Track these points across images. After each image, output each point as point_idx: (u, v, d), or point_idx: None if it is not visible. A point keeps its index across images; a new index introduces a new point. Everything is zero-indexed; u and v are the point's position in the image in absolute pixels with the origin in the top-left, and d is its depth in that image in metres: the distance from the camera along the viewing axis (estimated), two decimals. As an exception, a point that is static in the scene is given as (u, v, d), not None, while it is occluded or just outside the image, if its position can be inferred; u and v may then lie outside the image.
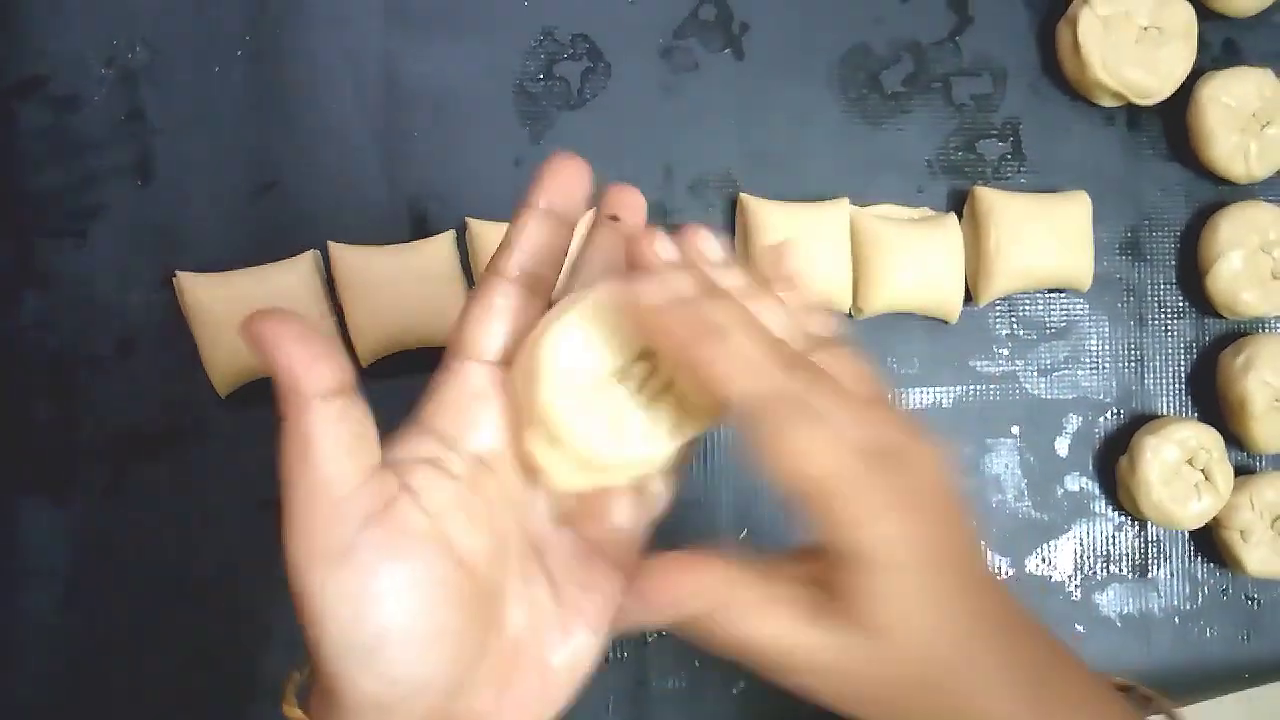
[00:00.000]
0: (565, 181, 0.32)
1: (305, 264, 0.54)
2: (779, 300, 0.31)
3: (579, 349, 0.29)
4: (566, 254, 0.32)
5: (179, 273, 0.53)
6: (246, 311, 0.52)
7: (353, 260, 0.54)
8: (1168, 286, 0.61)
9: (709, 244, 0.32)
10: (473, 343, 0.31)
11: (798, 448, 0.27)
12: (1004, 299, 0.59)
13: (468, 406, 0.31)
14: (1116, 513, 0.60)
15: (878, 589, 0.28)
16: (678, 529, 0.57)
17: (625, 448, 0.30)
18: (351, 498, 0.27)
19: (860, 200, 0.58)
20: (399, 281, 0.54)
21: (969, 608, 0.29)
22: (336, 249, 0.54)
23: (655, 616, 0.29)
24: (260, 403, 0.54)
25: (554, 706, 0.31)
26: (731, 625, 0.29)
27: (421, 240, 0.55)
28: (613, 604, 0.32)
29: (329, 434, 0.27)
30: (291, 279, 0.53)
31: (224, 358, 0.53)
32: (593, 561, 0.32)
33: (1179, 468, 0.58)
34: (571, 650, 0.31)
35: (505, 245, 0.31)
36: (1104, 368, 0.60)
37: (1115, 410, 0.60)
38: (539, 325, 0.30)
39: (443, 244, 0.54)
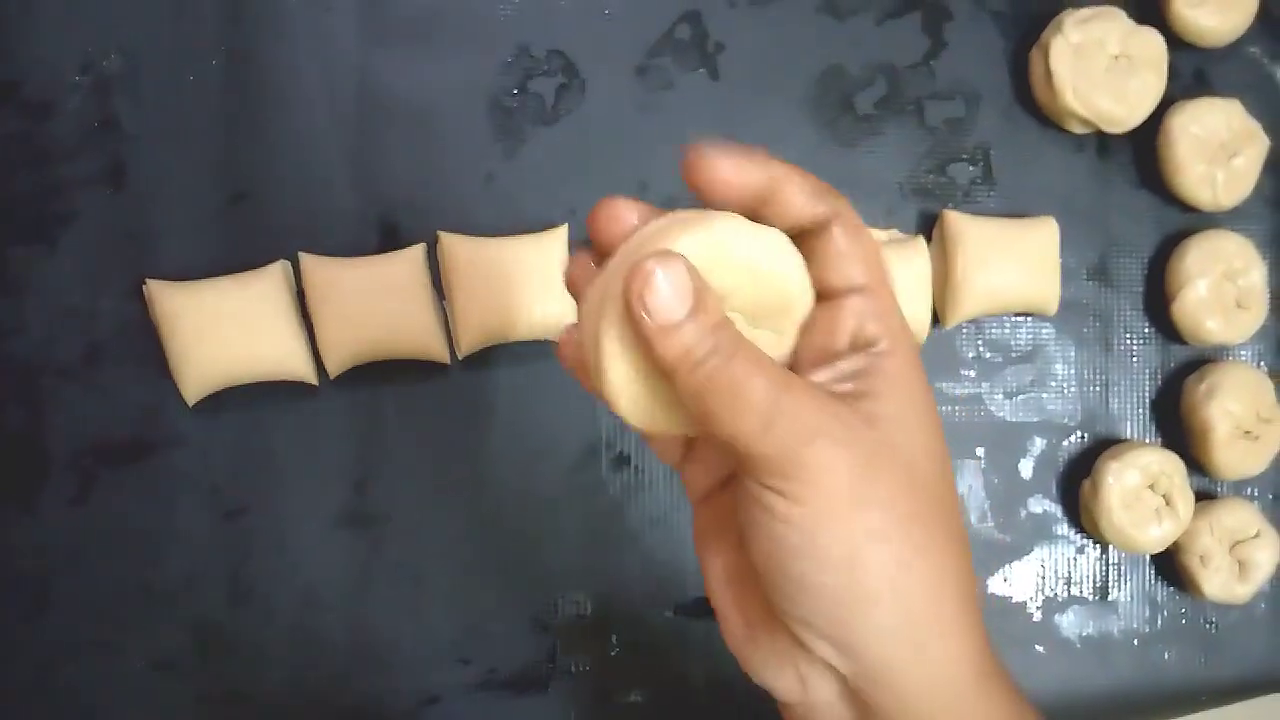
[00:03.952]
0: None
1: (276, 274, 0.54)
2: None
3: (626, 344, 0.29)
4: None
5: (149, 281, 0.53)
6: (216, 321, 0.53)
7: (323, 271, 0.54)
8: (1134, 312, 0.62)
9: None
10: None
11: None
12: (971, 322, 0.60)
13: None
14: (1079, 535, 0.61)
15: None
16: (648, 544, 0.58)
17: (656, 426, 0.30)
18: None
19: (831, 221, 0.58)
20: (369, 293, 0.54)
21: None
22: (307, 259, 0.54)
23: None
24: (228, 412, 0.55)
25: None
26: None
27: (392, 252, 0.55)
28: None
29: None
30: (262, 289, 0.53)
31: (193, 366, 0.53)
32: None
33: (1140, 492, 0.58)
34: None
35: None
36: (1069, 392, 0.61)
37: (1080, 434, 0.61)
38: (593, 295, 0.30)
39: (413, 256, 0.55)
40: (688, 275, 0.27)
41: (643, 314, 0.27)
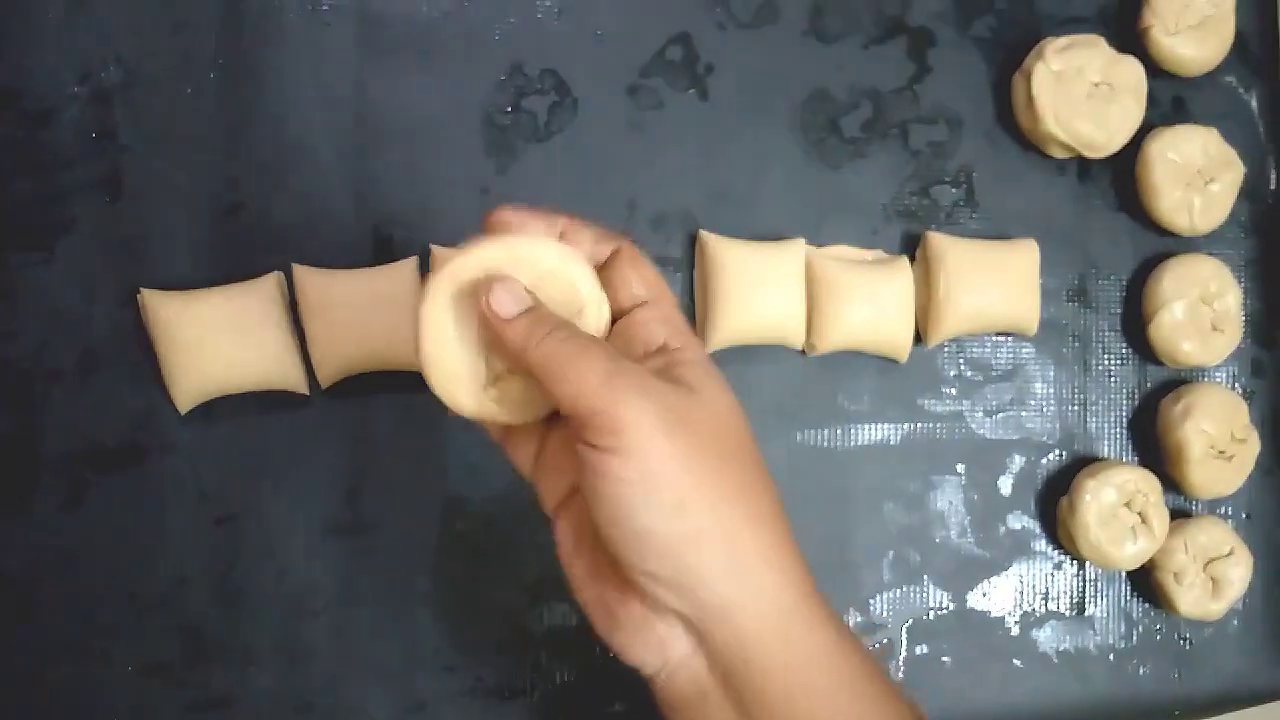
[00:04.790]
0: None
1: (269, 285, 0.54)
2: None
3: (449, 323, 0.37)
4: None
5: (143, 290, 0.54)
6: (210, 331, 0.53)
7: (316, 283, 0.54)
8: (1112, 334, 0.63)
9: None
10: None
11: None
12: (953, 341, 0.61)
13: None
14: (1056, 552, 0.62)
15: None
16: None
17: (468, 409, 0.38)
18: None
19: (816, 241, 0.59)
20: (361, 305, 0.54)
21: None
22: (300, 271, 0.55)
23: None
24: (219, 420, 0.55)
25: None
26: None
27: (385, 265, 0.56)
28: None
29: None
30: (255, 299, 0.54)
31: (185, 375, 0.53)
32: None
33: (1117, 510, 0.59)
34: None
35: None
36: (1048, 410, 0.62)
37: (1058, 452, 0.62)
38: (429, 285, 0.37)
39: (406, 269, 0.55)
40: (520, 287, 0.36)
41: (493, 314, 0.35)
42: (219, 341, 0.53)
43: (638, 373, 0.34)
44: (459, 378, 0.37)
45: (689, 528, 0.33)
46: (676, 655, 0.36)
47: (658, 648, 0.36)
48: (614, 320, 0.38)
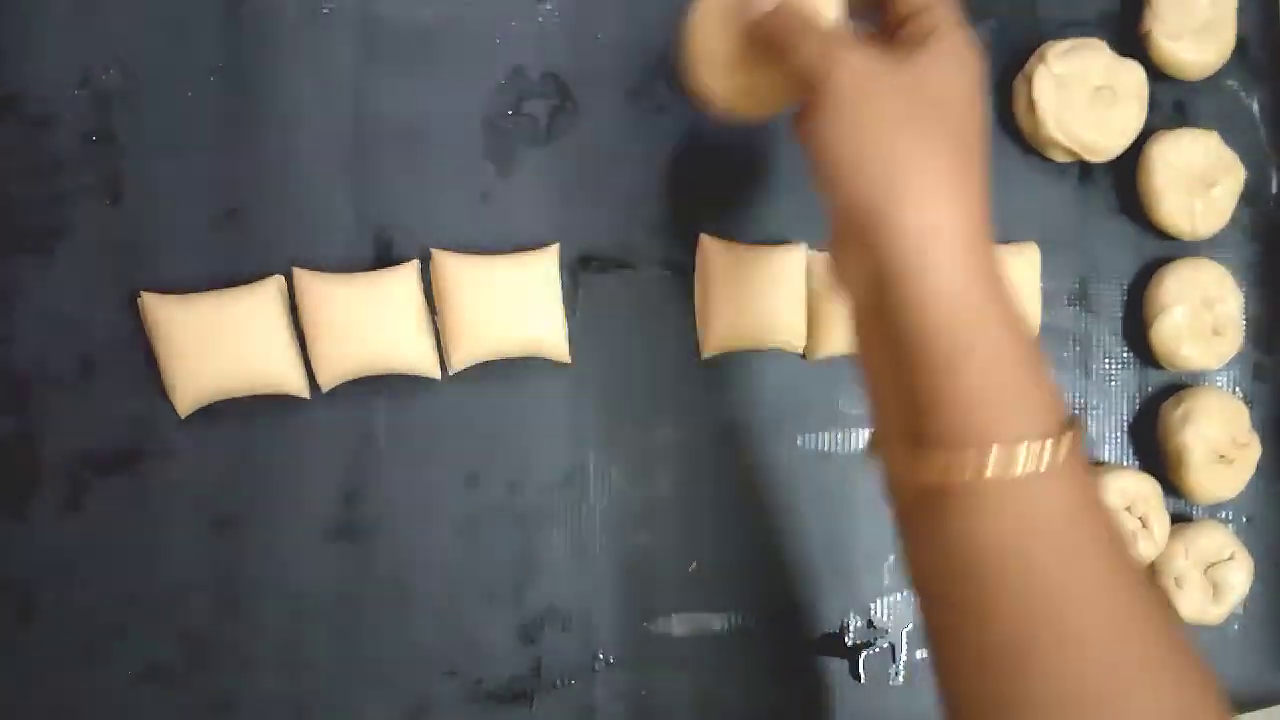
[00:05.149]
0: None
1: (269, 289, 0.54)
2: None
3: (715, 24, 0.45)
4: None
5: (144, 293, 0.54)
6: (210, 334, 0.53)
7: (317, 287, 0.54)
8: (1113, 338, 0.63)
9: None
10: None
11: None
12: (954, 345, 0.61)
13: None
14: (1057, 556, 0.62)
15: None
16: (633, 560, 0.58)
17: (720, 96, 0.46)
18: None
19: (817, 245, 0.59)
20: (362, 309, 0.54)
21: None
22: (301, 275, 0.55)
23: None
24: (219, 423, 0.55)
25: None
26: None
27: (385, 269, 0.55)
28: None
29: None
30: (255, 303, 0.54)
31: (185, 378, 0.53)
32: None
33: (1117, 514, 0.59)
34: None
35: None
36: (1049, 414, 0.62)
37: (1058, 456, 0.62)
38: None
39: (406, 274, 0.55)
40: None
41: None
42: (219, 345, 0.53)
43: (850, 44, 0.39)
44: (716, 69, 0.45)
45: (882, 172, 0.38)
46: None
47: None
48: None
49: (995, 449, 0.36)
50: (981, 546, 0.36)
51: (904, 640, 0.61)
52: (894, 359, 0.38)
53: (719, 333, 0.57)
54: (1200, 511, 0.63)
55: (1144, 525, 0.60)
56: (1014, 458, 0.36)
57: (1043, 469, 0.36)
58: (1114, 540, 0.37)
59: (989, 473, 0.36)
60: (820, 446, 0.60)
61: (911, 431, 0.38)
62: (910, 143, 0.38)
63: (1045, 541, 0.36)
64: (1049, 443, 0.36)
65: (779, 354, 0.59)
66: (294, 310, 0.55)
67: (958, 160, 0.39)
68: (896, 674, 0.61)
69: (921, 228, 0.37)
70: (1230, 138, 0.62)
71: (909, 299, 0.37)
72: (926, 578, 0.40)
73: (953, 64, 0.40)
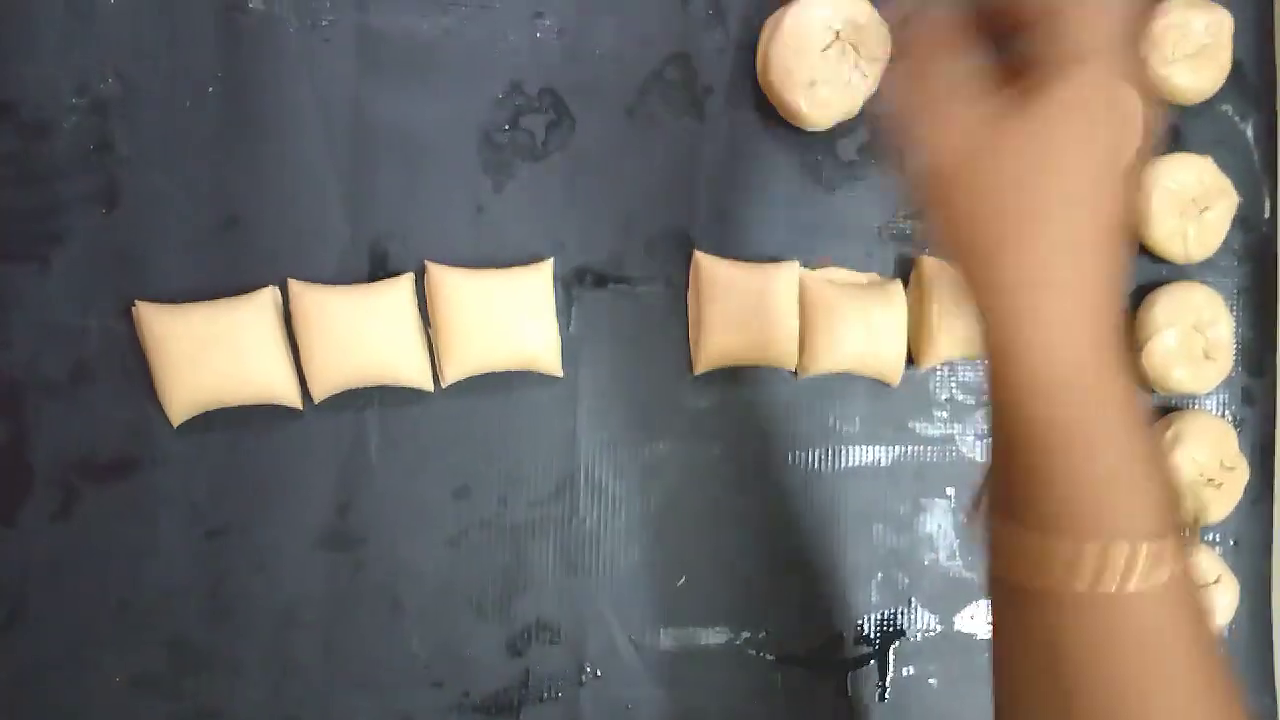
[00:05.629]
0: None
1: (264, 300, 0.55)
2: None
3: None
4: None
5: (138, 302, 0.54)
6: (204, 344, 0.54)
7: (312, 298, 0.55)
8: (1104, 359, 0.63)
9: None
10: None
11: None
12: (945, 364, 0.61)
13: None
14: (1044, 576, 0.62)
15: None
16: (622, 574, 0.58)
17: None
18: None
19: (810, 263, 0.59)
20: (357, 321, 0.55)
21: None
22: (296, 286, 0.55)
23: None
24: (212, 433, 0.55)
25: None
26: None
27: (381, 281, 0.56)
28: None
29: None
30: (250, 314, 0.54)
31: (179, 388, 0.54)
32: None
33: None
34: None
35: None
36: (1039, 435, 0.62)
37: (1048, 477, 0.62)
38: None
39: (401, 286, 0.56)
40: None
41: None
42: (213, 355, 0.53)
43: (963, 99, 0.36)
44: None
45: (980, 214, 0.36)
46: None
47: None
48: None
49: (1089, 549, 0.34)
50: (1071, 643, 0.36)
51: (890, 657, 0.61)
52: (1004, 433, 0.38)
53: (711, 349, 0.58)
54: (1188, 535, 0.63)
55: (1131, 547, 0.60)
56: (1112, 563, 0.34)
57: (1143, 582, 0.34)
58: (1205, 659, 0.36)
59: (1085, 584, 0.34)
60: (810, 463, 0.60)
61: (1010, 500, 0.38)
62: (1016, 208, 0.36)
63: (1135, 654, 0.35)
64: (1148, 547, 0.34)
65: (771, 371, 0.60)
66: (288, 321, 0.55)
67: (1068, 230, 0.35)
68: (884, 691, 0.61)
69: (1018, 308, 0.36)
70: (1224, 162, 0.62)
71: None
72: (1009, 658, 0.39)
73: (1071, 114, 0.35)
